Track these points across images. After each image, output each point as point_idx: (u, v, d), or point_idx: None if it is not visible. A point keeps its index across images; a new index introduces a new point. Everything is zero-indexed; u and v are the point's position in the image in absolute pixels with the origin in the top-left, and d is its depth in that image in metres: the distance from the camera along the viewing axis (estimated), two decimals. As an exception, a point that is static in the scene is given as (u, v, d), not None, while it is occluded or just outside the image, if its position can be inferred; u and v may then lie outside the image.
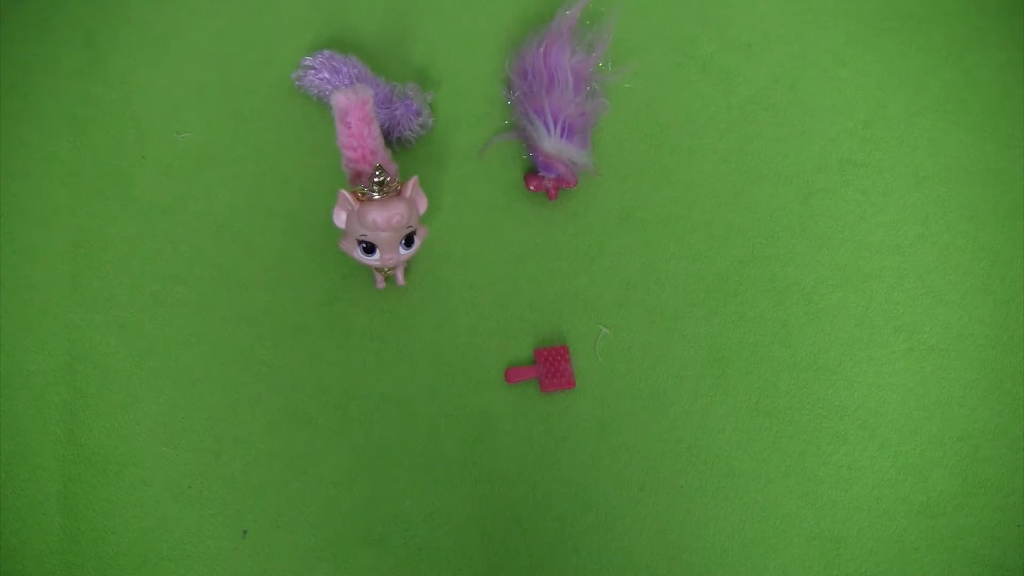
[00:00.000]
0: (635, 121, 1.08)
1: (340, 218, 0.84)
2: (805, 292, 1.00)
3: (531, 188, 1.01)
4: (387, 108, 1.00)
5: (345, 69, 1.01)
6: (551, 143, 0.98)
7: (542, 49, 1.04)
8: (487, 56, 1.10)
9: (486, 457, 0.91)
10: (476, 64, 1.10)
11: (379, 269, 0.93)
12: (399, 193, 0.83)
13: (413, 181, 0.84)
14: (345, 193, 0.82)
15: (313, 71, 1.02)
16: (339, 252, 0.95)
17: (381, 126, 0.97)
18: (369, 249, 0.84)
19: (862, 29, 1.15)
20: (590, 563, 0.88)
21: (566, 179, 1.00)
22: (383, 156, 0.89)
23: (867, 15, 1.16)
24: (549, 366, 0.94)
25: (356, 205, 0.82)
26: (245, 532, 0.87)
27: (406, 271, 0.98)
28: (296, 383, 0.93)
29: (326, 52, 1.03)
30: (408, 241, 0.85)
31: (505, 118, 1.07)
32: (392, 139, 1.02)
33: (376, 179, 0.82)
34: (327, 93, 1.01)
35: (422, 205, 0.86)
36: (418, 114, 1.02)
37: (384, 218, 0.80)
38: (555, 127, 0.99)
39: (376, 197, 0.82)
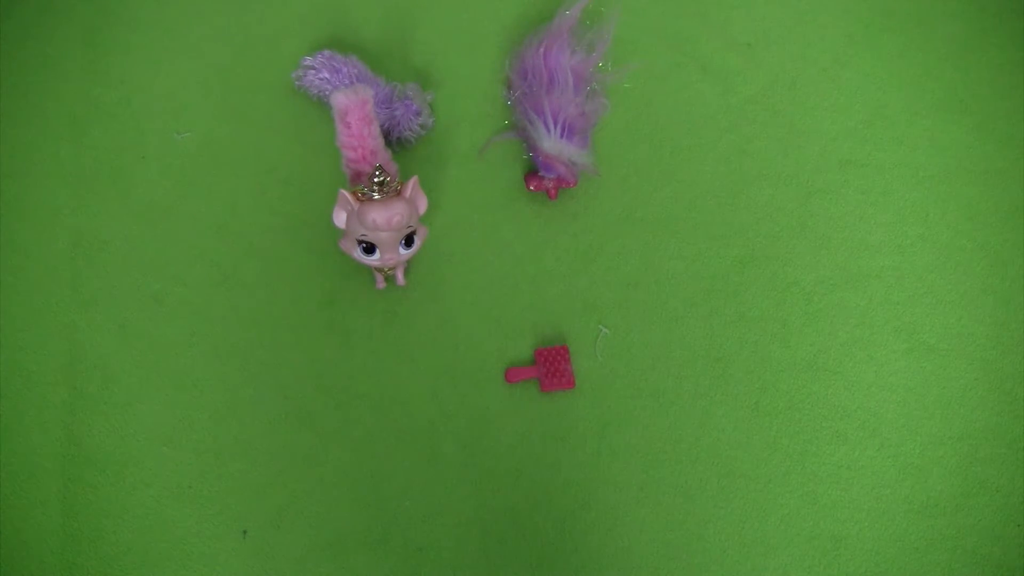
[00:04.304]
0: (635, 121, 1.08)
1: (340, 218, 0.84)
2: (805, 292, 1.00)
3: (531, 188, 1.01)
4: (387, 108, 1.00)
5: (345, 69, 1.01)
6: (551, 143, 0.98)
7: (542, 49, 1.04)
8: (487, 56, 1.10)
9: (486, 457, 0.91)
10: (476, 64, 1.10)
11: (379, 269, 0.93)
12: (399, 193, 0.83)
13: (413, 181, 0.84)
14: (345, 193, 0.82)
15: (313, 71, 1.02)
16: (339, 252, 0.95)
17: (381, 126, 0.97)
18: (369, 249, 0.84)
19: (862, 29, 1.15)
20: (590, 563, 0.88)
21: (566, 179, 1.00)
22: (383, 156, 0.89)
23: (867, 15, 1.16)
24: (549, 366, 0.94)
25: (356, 205, 0.82)
26: (245, 532, 0.87)
27: (406, 271, 0.98)
28: (296, 383, 0.93)
29: (326, 52, 1.03)
30: (408, 241, 0.85)
31: (505, 118, 1.07)
32: (392, 139, 1.02)
33: (376, 179, 0.82)
34: (327, 93, 1.01)
35: (422, 205, 0.86)
36: (418, 114, 1.02)
37: (384, 218, 0.80)
38: (555, 127, 0.99)
39: (376, 197, 0.82)
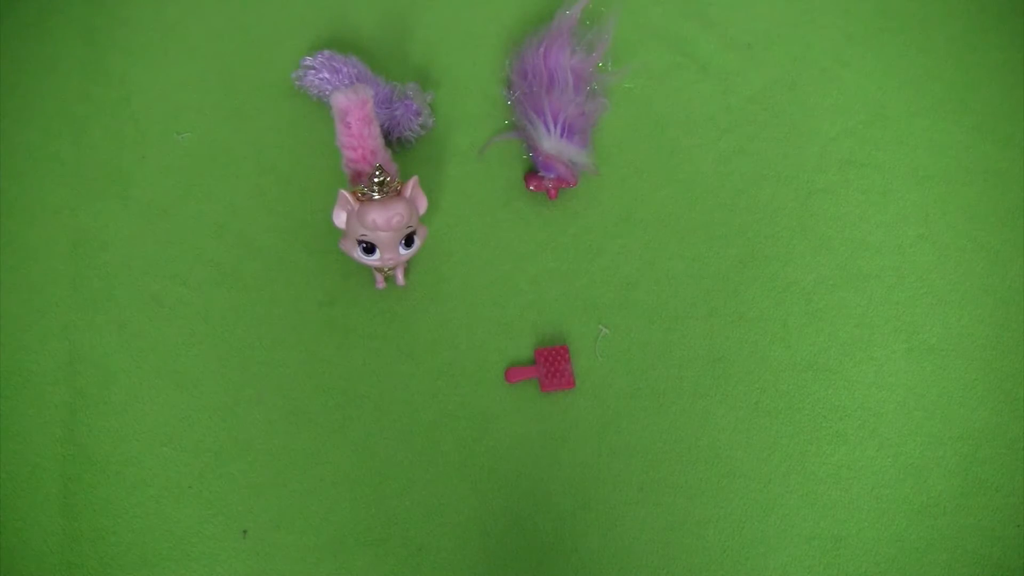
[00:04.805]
0: (635, 121, 1.08)
1: (340, 218, 0.84)
2: (805, 292, 1.00)
3: (531, 188, 1.01)
4: (387, 108, 1.00)
5: (345, 69, 1.01)
6: (551, 143, 0.98)
7: (542, 49, 1.04)
8: (487, 56, 1.10)
9: (486, 457, 0.91)
10: (476, 64, 1.10)
11: (379, 269, 0.93)
12: (399, 193, 0.83)
13: (413, 181, 0.84)
14: (345, 193, 0.82)
15: (313, 71, 1.02)
16: (339, 252, 0.95)
17: (381, 126, 0.97)
18: (369, 249, 0.84)
19: (862, 29, 1.15)
20: (590, 563, 0.88)
21: (566, 179, 1.00)
22: (383, 156, 0.89)
23: (867, 15, 1.16)
24: (549, 366, 0.94)
25: (356, 205, 0.82)
26: (245, 532, 0.87)
27: (406, 271, 0.98)
28: (296, 383, 0.93)
29: (326, 52, 1.03)
30: (408, 241, 0.85)
31: (505, 118, 1.07)
32: (392, 139, 1.02)
33: (376, 179, 0.82)
34: (327, 93, 1.01)
35: (422, 205, 0.86)
36: (418, 114, 1.02)
37: (384, 218, 0.80)
38: (555, 127, 0.99)
39: (376, 197, 0.82)
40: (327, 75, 1.01)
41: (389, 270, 0.93)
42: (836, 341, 0.98)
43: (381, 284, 0.97)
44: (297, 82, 1.04)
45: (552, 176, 1.00)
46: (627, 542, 0.89)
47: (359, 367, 0.94)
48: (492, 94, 1.08)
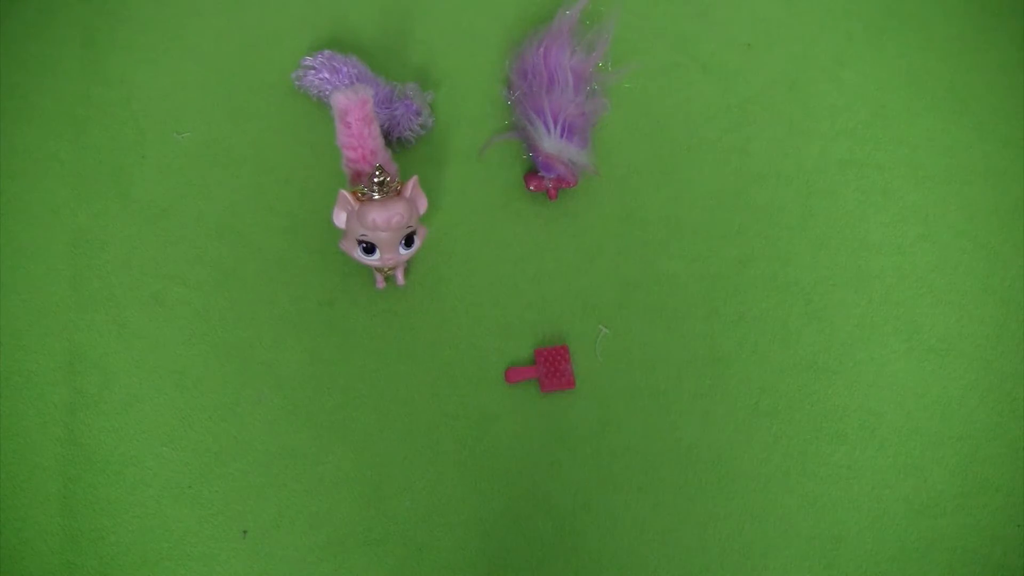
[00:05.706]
0: (635, 121, 1.08)
1: (340, 218, 0.84)
2: (805, 292, 1.00)
3: (531, 188, 1.01)
4: (387, 108, 1.00)
5: (345, 69, 1.01)
6: (551, 143, 0.98)
7: (542, 49, 1.04)
8: (487, 56, 1.10)
9: (486, 457, 0.91)
10: (476, 64, 1.10)
11: (379, 269, 0.93)
12: (399, 193, 0.83)
13: (413, 181, 0.84)
14: (345, 193, 0.82)
15: (313, 71, 1.02)
16: (339, 252, 0.95)
17: (381, 126, 0.97)
18: (369, 249, 0.84)
19: (862, 29, 1.15)
20: (590, 563, 0.88)
21: (566, 179, 1.00)
22: (383, 156, 0.89)
23: (867, 15, 1.16)
24: (549, 366, 0.94)
25: (356, 205, 0.82)
26: (245, 532, 0.87)
27: (406, 271, 0.98)
28: (296, 383, 0.93)
29: (326, 52, 1.03)
30: (408, 241, 0.85)
31: (505, 118, 1.07)
32: (392, 139, 1.02)
33: (376, 179, 0.82)
34: (327, 93, 1.01)
35: (422, 205, 0.86)
36: (418, 114, 1.02)
37: (384, 218, 0.80)
38: (555, 127, 0.99)
39: (376, 197, 0.82)
40: (327, 75, 1.01)
41: (389, 270, 0.93)
42: (836, 341, 0.98)
43: (381, 284, 0.97)
44: (297, 82, 1.04)
45: (552, 176, 1.00)
46: (627, 542, 0.89)
47: (359, 367, 0.94)
48: (492, 94, 1.08)
